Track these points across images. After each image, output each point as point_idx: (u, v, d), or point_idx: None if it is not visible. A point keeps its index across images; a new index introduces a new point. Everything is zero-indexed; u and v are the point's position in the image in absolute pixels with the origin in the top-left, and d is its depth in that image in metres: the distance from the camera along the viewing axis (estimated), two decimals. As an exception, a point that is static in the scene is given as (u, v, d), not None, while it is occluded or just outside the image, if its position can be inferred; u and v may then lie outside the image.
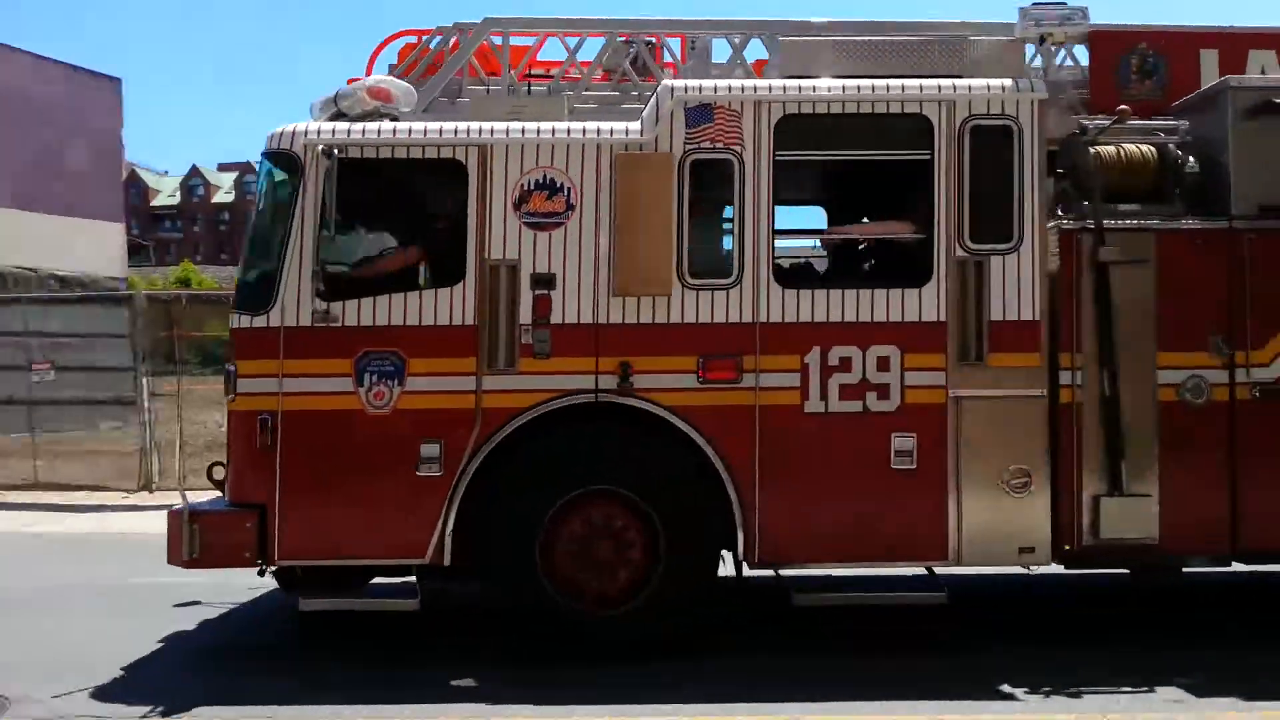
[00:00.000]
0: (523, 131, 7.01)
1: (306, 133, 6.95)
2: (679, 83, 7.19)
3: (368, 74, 7.97)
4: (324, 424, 6.75)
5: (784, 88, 7.10)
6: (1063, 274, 7.10)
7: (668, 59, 8.67)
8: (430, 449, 6.73)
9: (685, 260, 6.94)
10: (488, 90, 8.23)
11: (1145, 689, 6.41)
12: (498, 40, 8.47)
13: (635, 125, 7.10)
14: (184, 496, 6.89)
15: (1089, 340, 7.06)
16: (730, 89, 7.12)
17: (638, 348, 6.90)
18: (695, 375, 6.90)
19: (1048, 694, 6.30)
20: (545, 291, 6.88)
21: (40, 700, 6.21)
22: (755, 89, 7.11)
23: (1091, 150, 7.27)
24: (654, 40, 8.35)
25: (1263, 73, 8.07)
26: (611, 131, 7.05)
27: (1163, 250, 7.16)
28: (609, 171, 6.95)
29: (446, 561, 6.72)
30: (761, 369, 6.91)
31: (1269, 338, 7.15)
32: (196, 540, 6.70)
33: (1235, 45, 8.15)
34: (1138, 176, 7.38)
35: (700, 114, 7.01)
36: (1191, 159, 7.55)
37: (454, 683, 6.49)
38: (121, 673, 6.78)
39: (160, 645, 7.44)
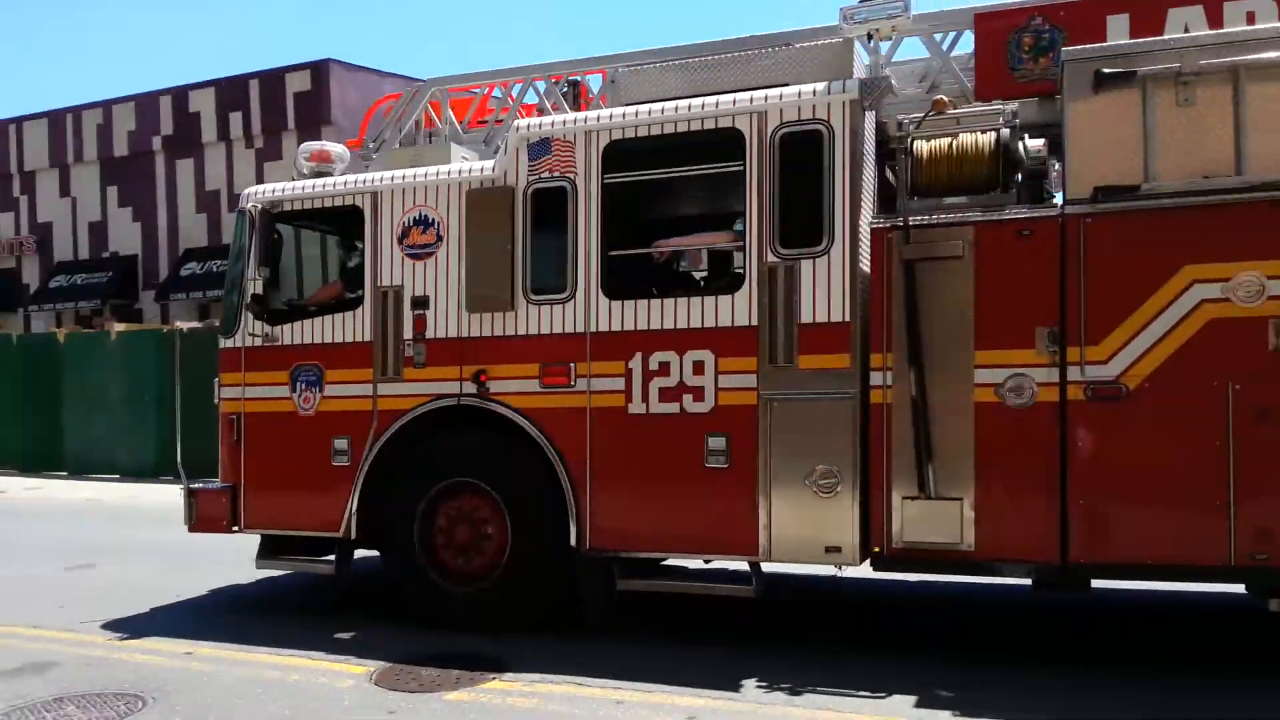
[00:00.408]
0: (404, 177, 8.34)
1: (254, 193, 8.79)
2: (523, 122, 8.08)
3: (361, 130, 9.71)
4: (271, 422, 8.57)
5: (610, 116, 7.76)
6: (873, 274, 7.14)
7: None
8: (341, 443, 8.32)
9: (528, 279, 7.91)
10: (429, 139, 9.60)
11: (870, 694, 6.56)
12: (454, 95, 9.77)
13: (490, 164, 8.14)
14: (183, 477, 9.08)
15: (899, 341, 7.05)
16: (565, 123, 7.89)
17: (492, 357, 7.99)
18: (538, 380, 7.90)
19: (775, 688, 6.73)
20: (422, 312, 8.17)
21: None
22: (586, 120, 7.84)
23: (908, 145, 7.17)
24: (577, 79, 9.18)
25: (1186, 30, 7.29)
26: (470, 170, 8.15)
27: (982, 244, 6.93)
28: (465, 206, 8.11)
29: (353, 536, 8.31)
30: (592, 374, 7.71)
31: (1106, 332, 6.69)
32: (193, 511, 8.88)
33: (1152, 6, 7.39)
34: (974, 167, 7.15)
35: (540, 148, 7.89)
36: (1037, 144, 7.17)
37: (337, 636, 8.13)
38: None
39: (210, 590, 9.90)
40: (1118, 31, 7.40)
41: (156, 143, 33.96)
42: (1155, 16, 7.36)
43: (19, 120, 37.44)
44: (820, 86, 7.28)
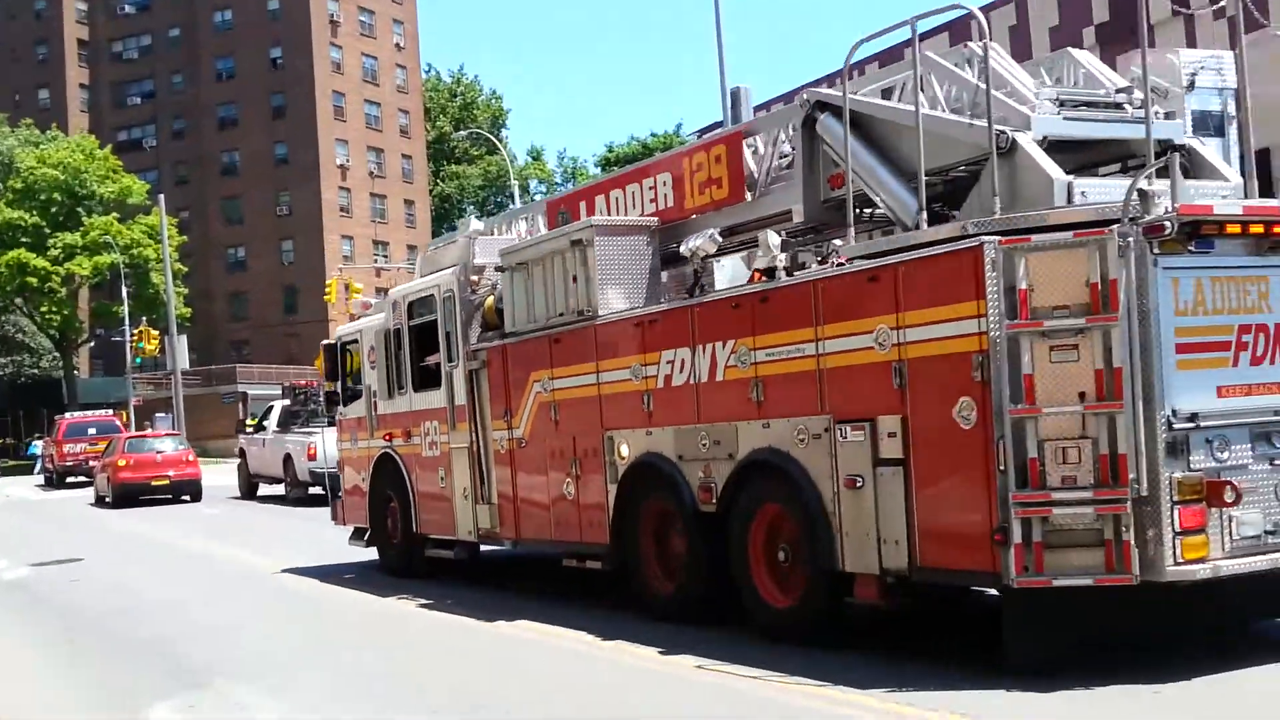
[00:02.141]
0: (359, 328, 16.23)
1: (338, 335, 17.13)
2: (398, 288, 15.38)
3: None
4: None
5: (406, 288, 14.95)
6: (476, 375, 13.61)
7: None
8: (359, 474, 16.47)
9: (395, 381, 15.39)
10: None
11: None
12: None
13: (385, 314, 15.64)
14: (330, 490, 17.74)
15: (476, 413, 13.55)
16: (402, 289, 15.13)
17: (400, 427, 15.52)
18: (389, 439, 15.37)
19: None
20: (373, 399, 16.06)
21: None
22: (402, 289, 15.03)
23: (473, 302, 13.49)
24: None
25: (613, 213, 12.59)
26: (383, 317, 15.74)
27: (487, 360, 13.20)
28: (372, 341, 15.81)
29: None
30: (409, 433, 15.08)
31: (518, 412, 12.67)
32: (339, 511, 17.56)
33: (595, 190, 12.78)
34: (488, 316, 13.33)
35: (397, 304, 15.25)
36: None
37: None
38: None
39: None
40: (600, 208, 12.89)
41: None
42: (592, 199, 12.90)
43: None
44: (447, 273, 13.98)
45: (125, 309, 66.69)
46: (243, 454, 35.13)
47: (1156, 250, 7.79)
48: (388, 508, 15.72)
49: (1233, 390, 8.05)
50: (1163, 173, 8.43)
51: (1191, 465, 7.85)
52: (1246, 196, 9.58)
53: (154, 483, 35.40)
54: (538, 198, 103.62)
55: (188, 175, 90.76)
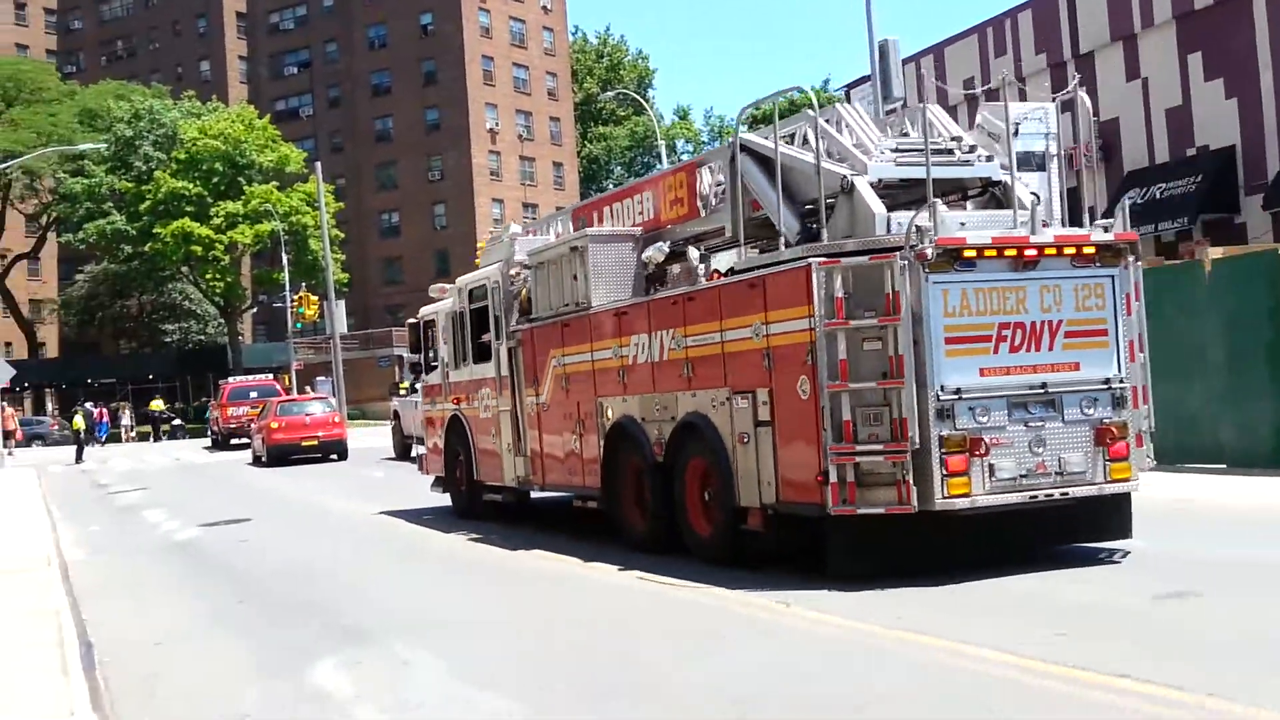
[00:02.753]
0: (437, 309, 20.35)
1: (421, 314, 21.31)
2: (462, 278, 19.46)
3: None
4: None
5: (467, 278, 19.01)
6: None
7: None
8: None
9: (460, 354, 19.48)
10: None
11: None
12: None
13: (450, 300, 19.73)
14: (417, 444, 21.93)
15: (519, 383, 17.53)
16: (464, 279, 19.21)
17: (464, 393, 19.64)
18: (456, 403, 19.47)
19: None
20: (445, 369, 20.21)
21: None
22: (462, 279, 19.11)
23: (512, 292, 17.43)
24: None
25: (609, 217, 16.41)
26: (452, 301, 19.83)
27: (520, 339, 17.16)
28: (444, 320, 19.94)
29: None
30: (469, 398, 19.15)
31: (542, 382, 16.58)
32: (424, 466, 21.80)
33: (594, 207, 16.57)
34: (523, 304, 17.27)
35: (461, 291, 19.34)
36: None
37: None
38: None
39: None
40: (606, 218, 16.70)
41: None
42: (596, 212, 16.71)
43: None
44: (494, 267, 17.99)
45: (285, 275, 72.01)
46: (396, 416, 38.75)
47: (927, 270, 11.27)
48: (457, 460, 19.83)
49: (993, 371, 11.50)
50: (983, 199, 11.91)
51: (957, 426, 11.33)
52: (1053, 219, 12.91)
53: (303, 443, 40.23)
54: (684, 158, 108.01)
55: (343, 143, 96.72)
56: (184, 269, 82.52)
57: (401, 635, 10.81)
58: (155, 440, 68.77)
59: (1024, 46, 38.48)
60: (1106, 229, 12.20)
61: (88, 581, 15.51)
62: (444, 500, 21.03)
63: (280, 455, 39.85)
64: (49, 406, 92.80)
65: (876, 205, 12.20)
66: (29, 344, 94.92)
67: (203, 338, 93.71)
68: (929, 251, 11.25)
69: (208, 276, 79.66)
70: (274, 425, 40.77)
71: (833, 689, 8.35)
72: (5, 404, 48.79)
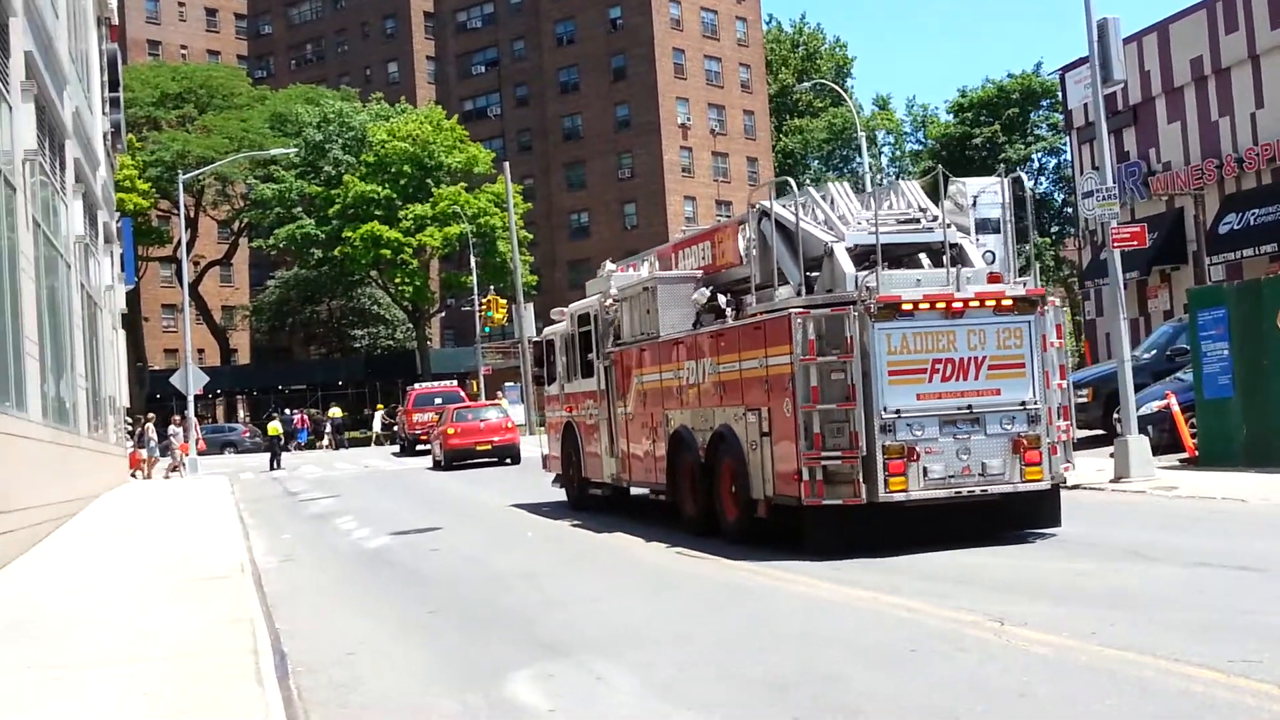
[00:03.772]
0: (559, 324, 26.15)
1: (544, 334, 27.15)
2: (573, 305, 25.22)
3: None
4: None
5: (576, 306, 24.75)
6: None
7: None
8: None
9: (572, 370, 25.22)
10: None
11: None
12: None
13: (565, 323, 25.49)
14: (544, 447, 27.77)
15: (611, 397, 23.16)
16: (574, 306, 24.97)
17: (575, 403, 25.37)
18: (569, 411, 25.23)
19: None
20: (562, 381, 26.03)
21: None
22: (572, 307, 24.85)
23: (608, 320, 23.01)
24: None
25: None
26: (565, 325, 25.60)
27: (614, 360, 22.77)
28: (561, 342, 25.75)
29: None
30: (580, 407, 24.87)
31: (627, 394, 22.12)
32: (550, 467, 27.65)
33: (675, 249, 22.06)
34: (618, 328, 22.87)
35: (572, 317, 25.09)
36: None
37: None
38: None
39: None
40: (681, 260, 22.21)
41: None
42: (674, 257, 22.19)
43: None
44: (594, 298, 23.66)
45: (474, 278, 78.48)
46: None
47: (873, 319, 16.44)
48: (570, 460, 25.63)
49: (928, 396, 16.60)
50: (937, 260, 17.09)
51: (897, 438, 16.46)
52: (1009, 273, 17.90)
53: (478, 448, 46.53)
54: (884, 149, 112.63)
55: (531, 142, 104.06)
56: (373, 273, 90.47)
57: (594, 649, 12.00)
58: (335, 449, 75.72)
59: (1259, 22, 40.31)
60: (1024, 285, 17.19)
61: (280, 589, 17.28)
62: (560, 494, 26.92)
63: (456, 458, 46.22)
64: (240, 413, 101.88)
65: (848, 267, 17.40)
66: (221, 351, 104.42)
67: (391, 343, 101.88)
68: (872, 306, 16.41)
69: (396, 280, 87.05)
70: (450, 431, 47.23)
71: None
72: (180, 430, 55.12)
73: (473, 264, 79.39)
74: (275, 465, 54.25)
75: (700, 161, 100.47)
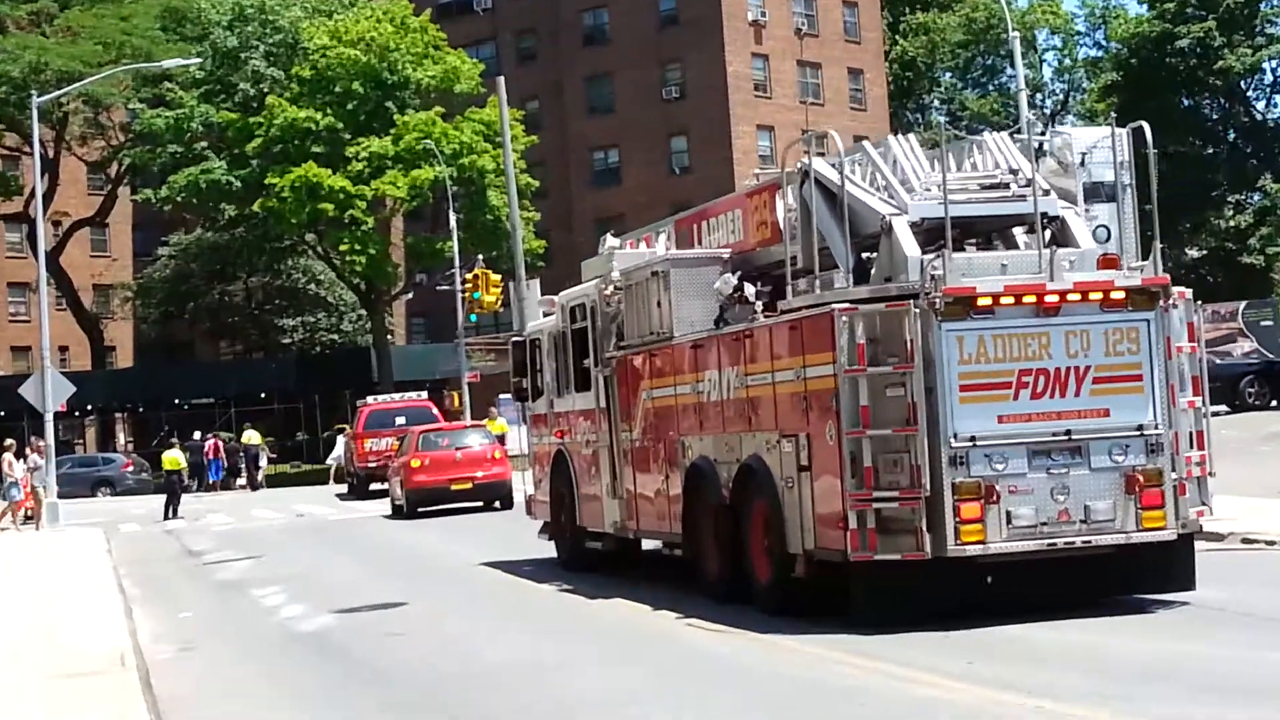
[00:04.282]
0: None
1: (527, 331, 29.40)
2: (564, 293, 27.47)
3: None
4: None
5: (567, 294, 27.00)
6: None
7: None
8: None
9: (563, 380, 27.51)
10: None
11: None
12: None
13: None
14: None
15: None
16: (565, 294, 27.21)
17: (568, 426, 27.60)
18: (560, 436, 27.50)
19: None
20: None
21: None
22: (563, 295, 27.08)
23: (608, 314, 25.20)
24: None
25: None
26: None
27: (617, 365, 24.97)
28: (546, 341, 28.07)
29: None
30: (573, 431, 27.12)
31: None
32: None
33: (693, 220, 24.18)
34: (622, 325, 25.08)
35: (563, 308, 27.34)
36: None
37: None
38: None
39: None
40: (704, 234, 24.34)
41: None
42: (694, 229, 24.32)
43: None
44: (591, 284, 25.83)
45: (454, 245, 79.61)
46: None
47: (940, 317, 18.47)
48: (563, 503, 27.99)
49: (1012, 418, 18.66)
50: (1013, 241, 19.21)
51: (971, 473, 18.49)
52: (1125, 254, 19.92)
53: (454, 486, 48.19)
54: (1047, 57, 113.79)
55: (535, 48, 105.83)
56: (309, 237, 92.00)
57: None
58: (253, 487, 77.61)
59: None
60: (1142, 271, 19.22)
61: (177, 690, 17.79)
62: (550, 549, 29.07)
63: (424, 502, 48.03)
64: (120, 438, 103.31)
65: (911, 247, 19.44)
66: (93, 348, 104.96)
67: (336, 337, 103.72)
68: (938, 300, 18.45)
69: (343, 248, 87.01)
70: (415, 464, 48.83)
71: None
72: (39, 460, 55.03)
73: (453, 224, 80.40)
74: (171, 513, 55.32)
75: (781, 75, 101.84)
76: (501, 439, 53.76)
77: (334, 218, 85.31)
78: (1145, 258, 20.39)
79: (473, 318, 78.74)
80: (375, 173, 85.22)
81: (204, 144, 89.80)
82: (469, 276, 71.25)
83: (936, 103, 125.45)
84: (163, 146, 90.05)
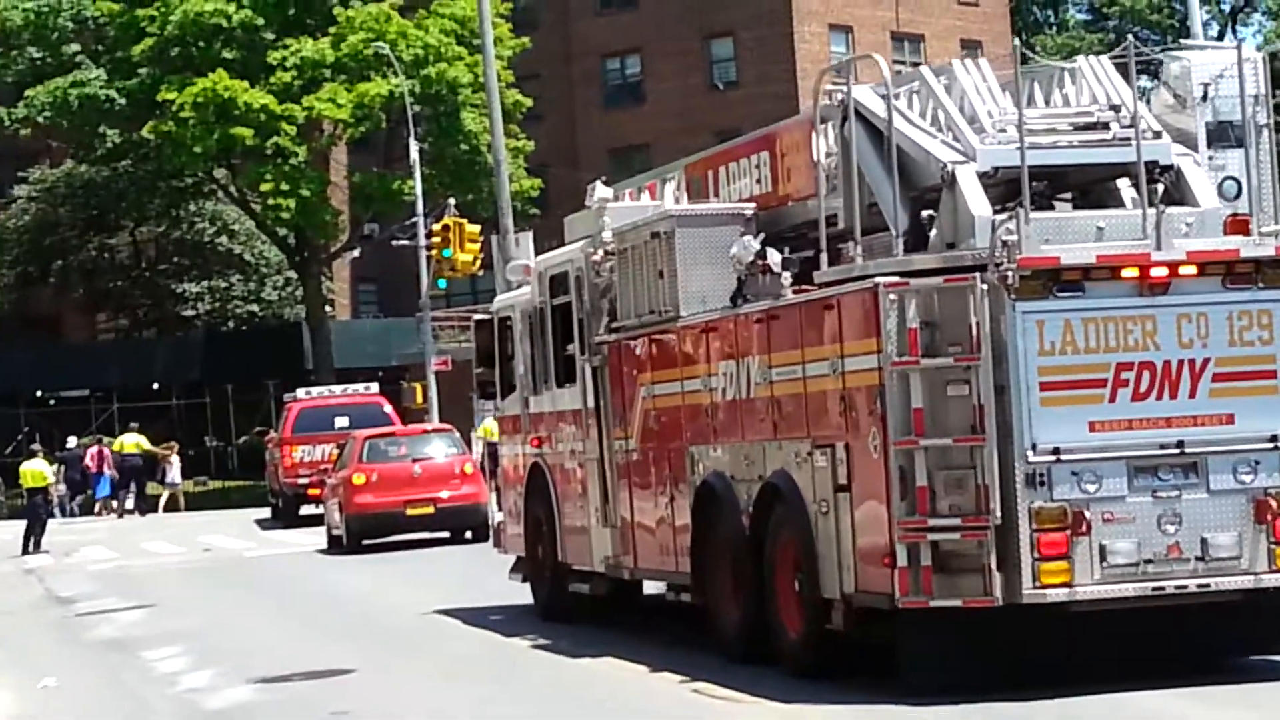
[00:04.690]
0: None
1: (495, 306, 30.82)
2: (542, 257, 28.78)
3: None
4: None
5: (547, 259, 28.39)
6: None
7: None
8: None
9: (540, 372, 28.88)
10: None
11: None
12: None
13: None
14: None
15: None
16: (544, 258, 28.49)
17: (547, 431, 28.86)
18: (537, 445, 28.90)
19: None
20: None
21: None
22: (541, 260, 28.44)
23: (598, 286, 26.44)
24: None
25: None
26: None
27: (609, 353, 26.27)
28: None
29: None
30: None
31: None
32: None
33: (711, 162, 25.47)
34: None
35: (542, 276, 28.67)
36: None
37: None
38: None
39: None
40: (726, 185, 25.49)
41: None
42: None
43: None
44: (576, 246, 27.04)
45: (416, 184, 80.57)
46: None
47: (1014, 295, 19.55)
48: (540, 532, 29.32)
49: (1108, 425, 19.72)
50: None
51: (1054, 496, 19.56)
52: (1262, 215, 20.99)
53: (410, 511, 49.57)
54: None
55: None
56: (219, 173, 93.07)
57: None
58: (136, 510, 78.50)
59: None
60: (1276, 237, 20.21)
61: None
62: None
63: (370, 532, 49.49)
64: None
65: (979, 205, 20.50)
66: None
67: (256, 308, 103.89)
68: (1011, 274, 19.50)
69: (265, 188, 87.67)
70: (359, 480, 49.96)
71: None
72: None
73: (414, 156, 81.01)
74: (32, 546, 56.15)
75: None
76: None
77: (252, 147, 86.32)
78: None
79: (441, 283, 78.93)
80: (308, 86, 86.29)
81: (75, 46, 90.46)
82: (437, 228, 71.31)
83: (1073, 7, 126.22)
84: (19, 49, 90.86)
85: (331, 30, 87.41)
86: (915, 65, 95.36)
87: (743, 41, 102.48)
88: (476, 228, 69.80)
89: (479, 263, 69.55)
